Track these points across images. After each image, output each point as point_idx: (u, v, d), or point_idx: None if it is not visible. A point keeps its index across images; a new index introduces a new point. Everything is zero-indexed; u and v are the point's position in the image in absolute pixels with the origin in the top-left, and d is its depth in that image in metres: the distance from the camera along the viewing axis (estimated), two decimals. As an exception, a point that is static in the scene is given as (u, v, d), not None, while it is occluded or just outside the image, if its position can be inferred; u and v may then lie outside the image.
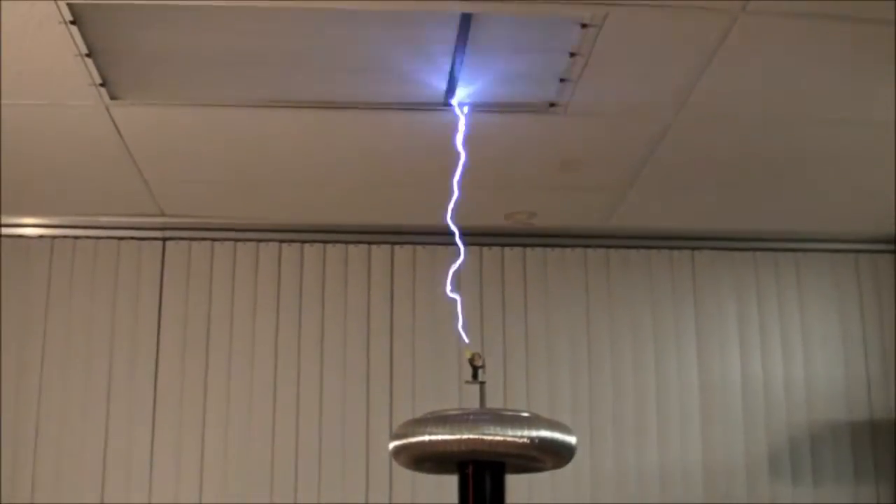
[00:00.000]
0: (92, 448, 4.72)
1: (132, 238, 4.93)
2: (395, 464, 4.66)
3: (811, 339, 5.09)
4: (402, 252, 5.01)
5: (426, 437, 2.93)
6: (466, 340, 3.31)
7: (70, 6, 3.11)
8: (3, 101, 3.68)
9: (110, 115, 3.84)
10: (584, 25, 3.24)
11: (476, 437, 2.86)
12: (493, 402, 3.19)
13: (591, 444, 4.83)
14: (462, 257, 3.49)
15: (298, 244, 4.98)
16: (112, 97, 3.68)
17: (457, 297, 3.41)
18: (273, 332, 4.89)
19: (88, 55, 3.37)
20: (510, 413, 3.00)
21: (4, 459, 4.67)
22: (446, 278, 4.26)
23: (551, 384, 4.92)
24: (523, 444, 2.89)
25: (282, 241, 4.97)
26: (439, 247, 4.81)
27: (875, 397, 5.05)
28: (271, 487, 4.74)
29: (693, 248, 5.12)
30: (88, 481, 4.68)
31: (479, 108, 3.72)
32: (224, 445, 4.77)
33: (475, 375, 3.09)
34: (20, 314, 4.82)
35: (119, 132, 3.98)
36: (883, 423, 4.99)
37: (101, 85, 3.57)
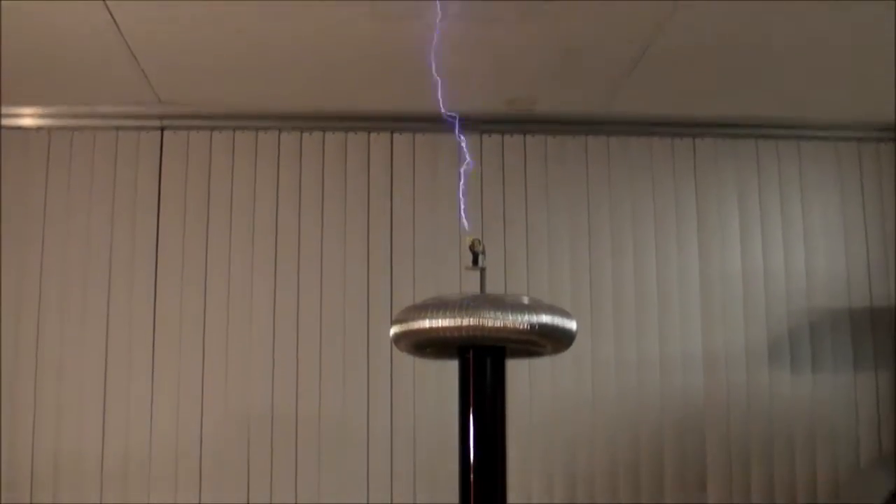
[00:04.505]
0: (93, 337, 4.76)
1: (130, 128, 4.90)
2: (395, 350, 4.75)
3: (812, 228, 5.09)
4: (402, 139, 4.98)
5: (426, 323, 2.94)
6: (466, 226, 3.30)
7: None
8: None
9: (106, 5, 3.79)
10: None
11: (476, 321, 2.87)
12: (494, 290, 3.20)
13: (592, 331, 4.86)
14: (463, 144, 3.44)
15: (297, 132, 4.96)
16: (108, -15, 3.64)
17: (461, 173, 3.38)
18: (272, 221, 4.89)
19: (83, -58, 3.32)
20: (510, 298, 3.00)
21: (5, 348, 4.70)
22: (446, 165, 4.24)
23: (552, 273, 4.93)
24: (524, 329, 2.89)
25: (281, 130, 4.95)
26: (439, 134, 4.79)
27: (875, 286, 5.06)
28: (272, 375, 4.79)
29: (695, 136, 5.09)
30: (91, 369, 4.74)
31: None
32: (224, 337, 4.80)
33: (475, 261, 3.09)
34: (19, 206, 4.82)
35: (115, 22, 3.93)
36: (883, 311, 5.01)
37: (97, -27, 3.53)
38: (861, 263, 5.07)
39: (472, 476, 3.07)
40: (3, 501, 4.59)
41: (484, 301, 2.98)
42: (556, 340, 3.06)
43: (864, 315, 5.02)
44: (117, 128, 4.89)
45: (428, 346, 3.13)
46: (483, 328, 2.90)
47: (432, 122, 4.34)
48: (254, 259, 4.87)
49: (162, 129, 4.91)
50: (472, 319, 2.87)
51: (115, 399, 4.73)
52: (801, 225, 5.08)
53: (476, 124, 4.90)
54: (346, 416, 4.77)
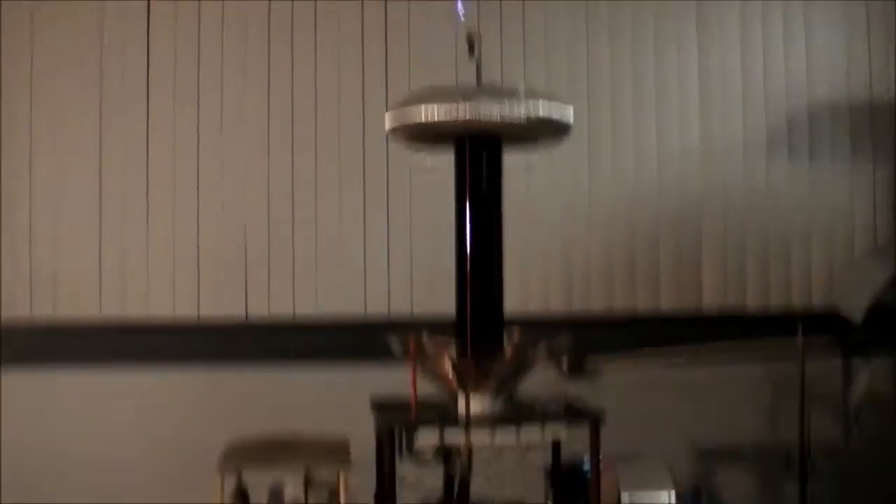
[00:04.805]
0: (87, 148, 4.73)
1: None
2: (391, 156, 4.74)
3: (813, 24, 5.00)
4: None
5: (422, 113, 2.92)
6: (462, 16, 3.24)
7: None
8: None
9: None
10: None
11: (472, 109, 2.85)
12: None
13: (589, 126, 4.83)
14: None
15: None
16: None
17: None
18: (265, 25, 4.78)
19: None
20: (506, 87, 2.98)
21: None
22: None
23: (548, 68, 4.87)
24: (520, 116, 2.88)
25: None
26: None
27: (876, 82, 5.00)
28: (268, 181, 4.78)
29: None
30: (86, 179, 4.72)
31: None
32: (219, 144, 4.76)
33: (471, 50, 3.06)
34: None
35: None
36: (882, 106, 4.97)
37: None
38: (862, 59, 5.00)
39: (468, 267, 3.09)
40: (2, 316, 4.63)
41: (480, 90, 2.97)
42: (553, 128, 3.05)
43: (863, 110, 4.98)
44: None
45: (423, 136, 3.12)
46: (479, 118, 2.88)
47: None
48: (246, 63, 4.79)
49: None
50: (468, 107, 2.86)
51: (110, 209, 4.72)
52: (801, 19, 4.99)
53: None
54: (343, 217, 4.78)
